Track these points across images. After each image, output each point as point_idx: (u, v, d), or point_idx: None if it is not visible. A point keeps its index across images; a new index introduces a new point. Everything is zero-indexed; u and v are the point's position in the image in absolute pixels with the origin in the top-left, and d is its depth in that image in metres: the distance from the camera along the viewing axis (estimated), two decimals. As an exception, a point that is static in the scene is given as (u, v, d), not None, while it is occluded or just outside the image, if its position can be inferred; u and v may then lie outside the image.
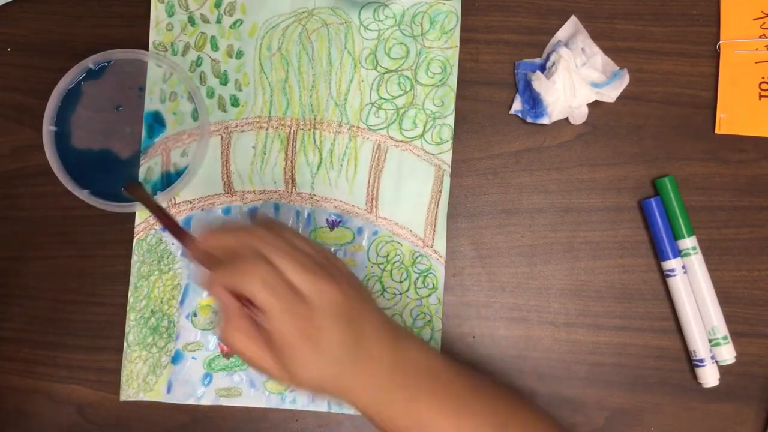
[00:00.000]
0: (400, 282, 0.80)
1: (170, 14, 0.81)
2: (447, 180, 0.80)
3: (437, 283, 0.79)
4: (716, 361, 0.77)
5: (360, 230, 0.80)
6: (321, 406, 0.79)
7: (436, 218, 0.80)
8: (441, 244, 0.80)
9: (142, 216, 0.80)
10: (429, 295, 0.79)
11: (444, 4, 0.81)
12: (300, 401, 0.79)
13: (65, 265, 0.81)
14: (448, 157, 0.80)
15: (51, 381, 0.81)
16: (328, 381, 0.61)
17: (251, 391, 0.80)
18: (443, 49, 0.81)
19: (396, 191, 0.80)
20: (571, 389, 0.79)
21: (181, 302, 0.80)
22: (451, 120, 0.80)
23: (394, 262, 0.80)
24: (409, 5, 0.81)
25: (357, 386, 0.62)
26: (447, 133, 0.80)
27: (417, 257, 0.80)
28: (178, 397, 0.80)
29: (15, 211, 0.81)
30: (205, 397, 0.79)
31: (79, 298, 0.81)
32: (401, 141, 0.80)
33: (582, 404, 0.78)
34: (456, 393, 0.64)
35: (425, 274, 0.80)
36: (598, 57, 0.78)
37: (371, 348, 0.62)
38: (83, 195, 0.77)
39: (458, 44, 0.80)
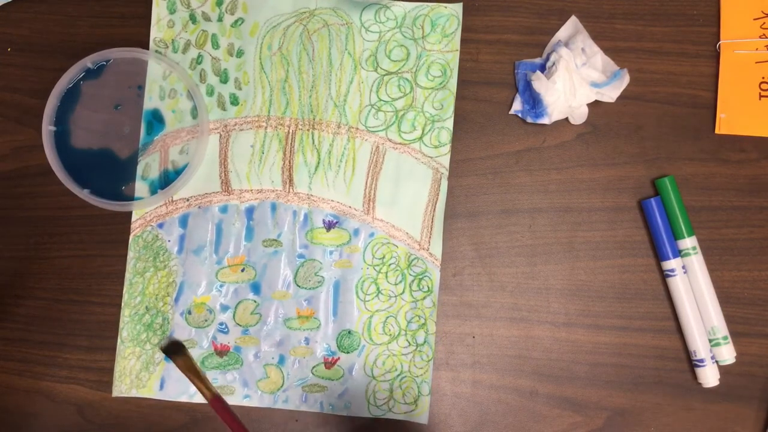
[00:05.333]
0: (396, 284, 0.80)
1: (171, 11, 0.82)
2: (444, 183, 0.80)
3: (432, 286, 0.79)
4: (716, 361, 0.77)
5: (356, 231, 0.80)
6: (314, 406, 0.79)
7: (432, 221, 0.80)
8: (437, 248, 0.79)
9: (138, 213, 0.81)
10: (424, 298, 0.79)
11: (445, 7, 0.81)
12: (292, 401, 0.79)
13: (65, 265, 0.81)
14: (446, 160, 0.80)
15: (51, 381, 0.81)
16: None
17: (244, 389, 0.79)
18: (443, 52, 0.81)
19: (393, 193, 0.80)
20: (571, 389, 0.78)
21: (176, 300, 0.80)
22: (450, 123, 0.80)
23: (390, 264, 0.80)
24: (411, 8, 0.81)
25: None
26: (446, 137, 0.80)
27: (413, 260, 0.80)
28: (171, 395, 0.80)
29: (15, 211, 0.82)
30: (197, 395, 0.79)
31: (78, 298, 0.81)
32: (400, 143, 0.80)
33: (582, 404, 0.78)
34: None
35: (420, 277, 0.79)
36: (598, 57, 0.78)
37: None
38: (83, 194, 0.78)
39: (459, 48, 0.80)
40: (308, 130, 0.80)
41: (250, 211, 0.80)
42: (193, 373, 0.78)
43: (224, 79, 0.81)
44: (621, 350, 0.78)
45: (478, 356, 0.79)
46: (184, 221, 0.80)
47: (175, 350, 0.79)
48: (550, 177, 0.80)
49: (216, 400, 0.76)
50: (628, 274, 0.79)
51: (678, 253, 0.77)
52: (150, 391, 0.80)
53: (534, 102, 0.78)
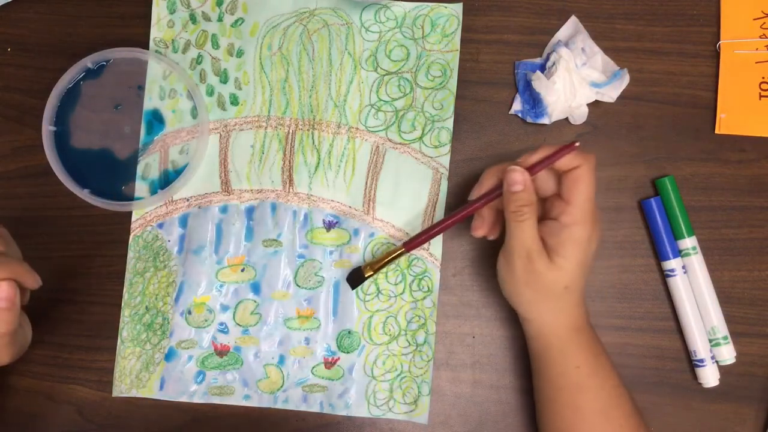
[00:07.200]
0: (396, 284, 0.80)
1: (171, 11, 0.82)
2: (444, 183, 0.80)
3: (432, 286, 0.79)
4: (716, 361, 0.77)
5: (356, 231, 0.80)
6: (314, 406, 0.79)
7: (432, 221, 0.79)
8: (437, 248, 0.79)
9: (138, 213, 0.81)
10: (424, 298, 0.79)
11: (445, 7, 0.81)
12: (292, 401, 0.79)
13: (65, 265, 0.81)
14: (446, 160, 0.80)
15: (51, 381, 0.81)
16: (558, 299, 0.69)
17: (244, 389, 0.79)
18: (444, 52, 0.81)
19: (393, 193, 0.80)
20: (571, 390, 0.78)
21: (176, 300, 0.80)
22: (450, 123, 0.80)
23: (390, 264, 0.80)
24: (411, 8, 0.81)
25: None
26: (446, 137, 0.80)
27: (412, 260, 0.79)
28: (171, 395, 0.80)
29: (15, 211, 0.82)
30: (197, 395, 0.79)
31: (78, 297, 0.81)
32: (400, 143, 0.80)
33: (581, 405, 0.78)
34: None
35: (420, 277, 0.79)
36: (598, 57, 0.78)
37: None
38: (83, 194, 0.78)
39: (459, 48, 0.80)
40: (308, 130, 0.80)
41: (250, 211, 0.80)
42: (383, 264, 0.76)
43: (224, 79, 0.81)
44: (621, 350, 0.78)
45: (478, 356, 0.79)
46: (184, 221, 0.80)
47: (357, 278, 0.77)
48: (550, 177, 0.80)
49: (409, 244, 0.74)
50: (628, 274, 0.79)
51: (678, 253, 0.77)
52: (150, 391, 0.80)
53: (534, 102, 0.78)
